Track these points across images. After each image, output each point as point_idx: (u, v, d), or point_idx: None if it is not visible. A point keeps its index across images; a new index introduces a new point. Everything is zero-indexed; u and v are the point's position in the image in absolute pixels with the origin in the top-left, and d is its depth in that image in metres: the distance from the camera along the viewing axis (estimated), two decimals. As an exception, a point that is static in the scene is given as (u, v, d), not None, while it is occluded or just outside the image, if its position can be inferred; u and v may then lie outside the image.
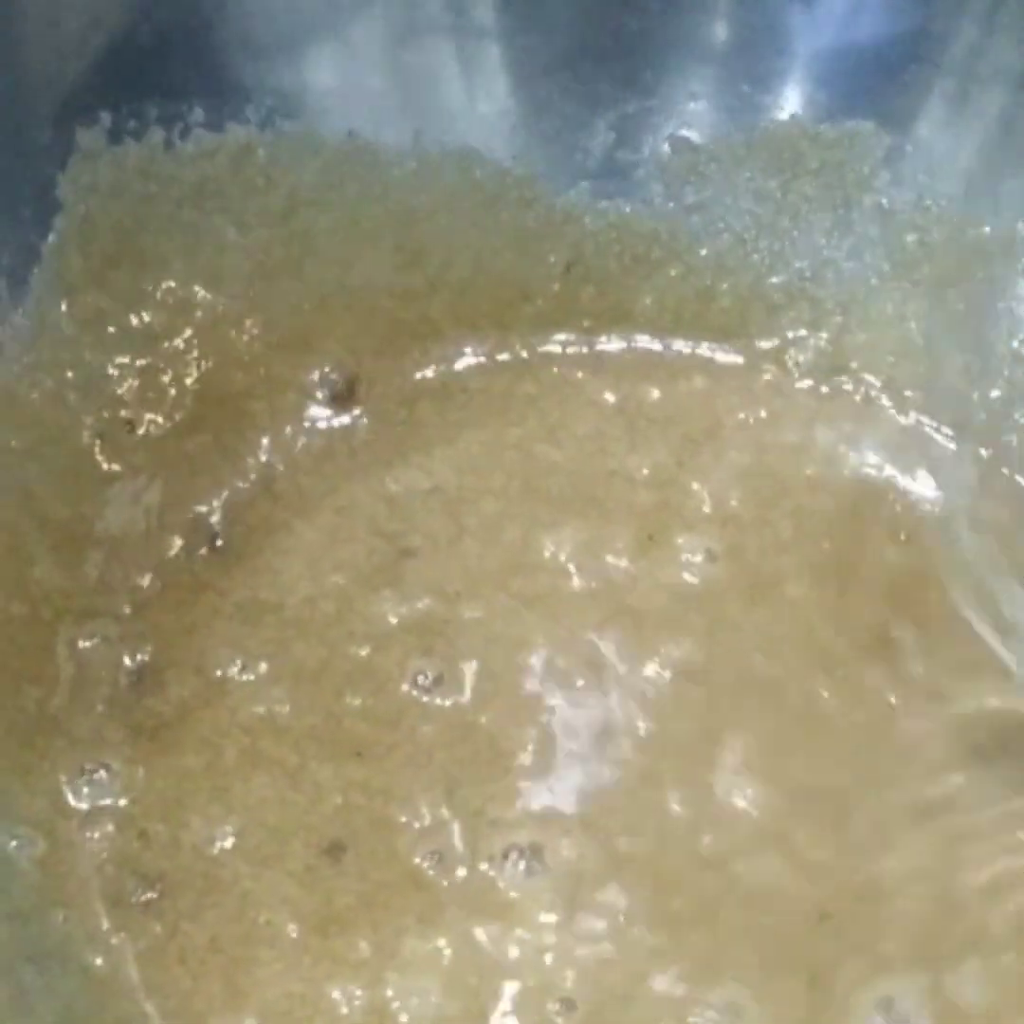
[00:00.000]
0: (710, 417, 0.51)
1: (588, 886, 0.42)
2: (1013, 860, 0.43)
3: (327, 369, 0.50)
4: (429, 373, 0.51)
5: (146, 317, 0.48)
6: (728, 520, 0.49)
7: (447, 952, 0.41)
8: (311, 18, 0.48)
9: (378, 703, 0.45)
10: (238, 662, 0.45)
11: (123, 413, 0.47)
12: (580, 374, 0.51)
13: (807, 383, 0.51)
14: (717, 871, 0.43)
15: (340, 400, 0.50)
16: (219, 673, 0.45)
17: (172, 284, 0.48)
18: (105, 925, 0.42)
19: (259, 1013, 0.41)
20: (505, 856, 0.43)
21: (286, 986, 0.41)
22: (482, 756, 0.44)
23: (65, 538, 0.45)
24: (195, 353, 0.48)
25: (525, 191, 0.50)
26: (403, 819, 0.43)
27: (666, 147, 0.50)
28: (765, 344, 0.52)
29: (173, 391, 0.48)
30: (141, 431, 0.47)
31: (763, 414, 0.51)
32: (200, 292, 0.48)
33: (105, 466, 0.47)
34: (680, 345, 0.52)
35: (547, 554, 0.48)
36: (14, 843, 0.41)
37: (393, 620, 0.46)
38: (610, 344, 0.52)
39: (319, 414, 0.50)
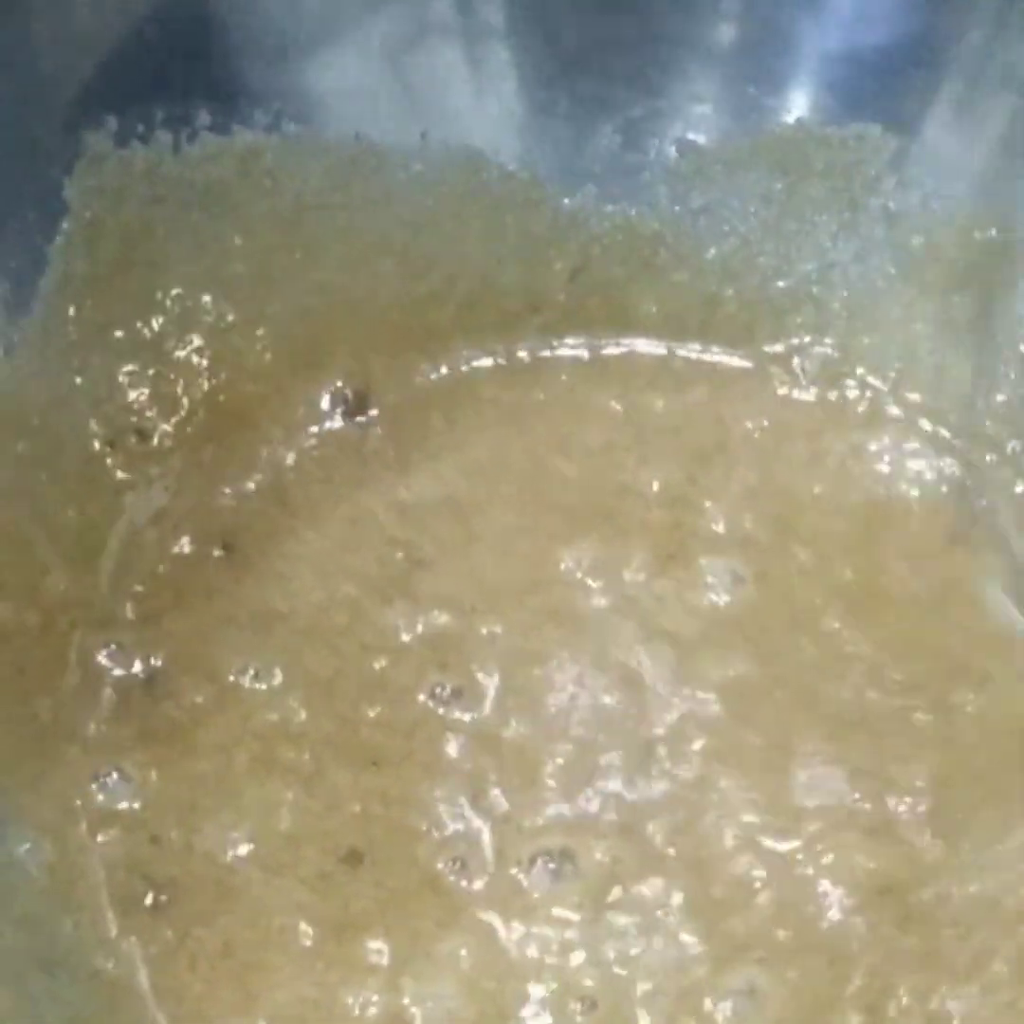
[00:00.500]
0: (718, 427, 0.50)
1: (617, 891, 0.42)
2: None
3: (337, 378, 0.50)
4: (439, 381, 0.51)
5: (154, 324, 0.48)
6: (747, 543, 0.48)
7: (464, 955, 0.41)
8: (317, 21, 0.48)
9: (395, 713, 0.45)
10: (251, 669, 0.45)
11: (133, 421, 0.47)
12: (588, 382, 0.51)
13: (813, 390, 0.51)
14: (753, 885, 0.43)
15: (350, 409, 0.50)
16: (232, 680, 0.45)
17: (179, 291, 0.48)
18: (115, 931, 0.41)
19: (271, 1019, 0.40)
20: (533, 861, 0.43)
21: (299, 991, 0.41)
22: (509, 765, 0.44)
23: (77, 547, 0.45)
24: (205, 361, 0.48)
25: (531, 194, 0.50)
26: (424, 827, 0.43)
27: (672, 150, 0.50)
28: (771, 349, 0.52)
29: (184, 399, 0.48)
30: (152, 439, 0.48)
31: (769, 423, 0.51)
32: (208, 299, 0.48)
33: (116, 474, 0.47)
34: (686, 351, 0.52)
35: (563, 567, 0.48)
36: (26, 847, 0.41)
37: (406, 634, 0.46)
38: (617, 350, 0.52)
39: (329, 423, 0.50)
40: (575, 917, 0.42)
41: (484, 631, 0.46)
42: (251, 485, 0.48)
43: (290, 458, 0.49)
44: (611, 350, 0.52)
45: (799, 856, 0.43)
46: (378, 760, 0.44)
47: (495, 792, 0.44)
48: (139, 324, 0.47)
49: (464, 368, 0.51)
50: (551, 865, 0.42)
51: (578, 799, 0.44)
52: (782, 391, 0.51)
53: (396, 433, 0.50)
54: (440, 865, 0.42)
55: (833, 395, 0.51)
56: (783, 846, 0.43)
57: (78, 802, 0.43)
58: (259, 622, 0.46)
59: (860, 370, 0.51)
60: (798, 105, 0.50)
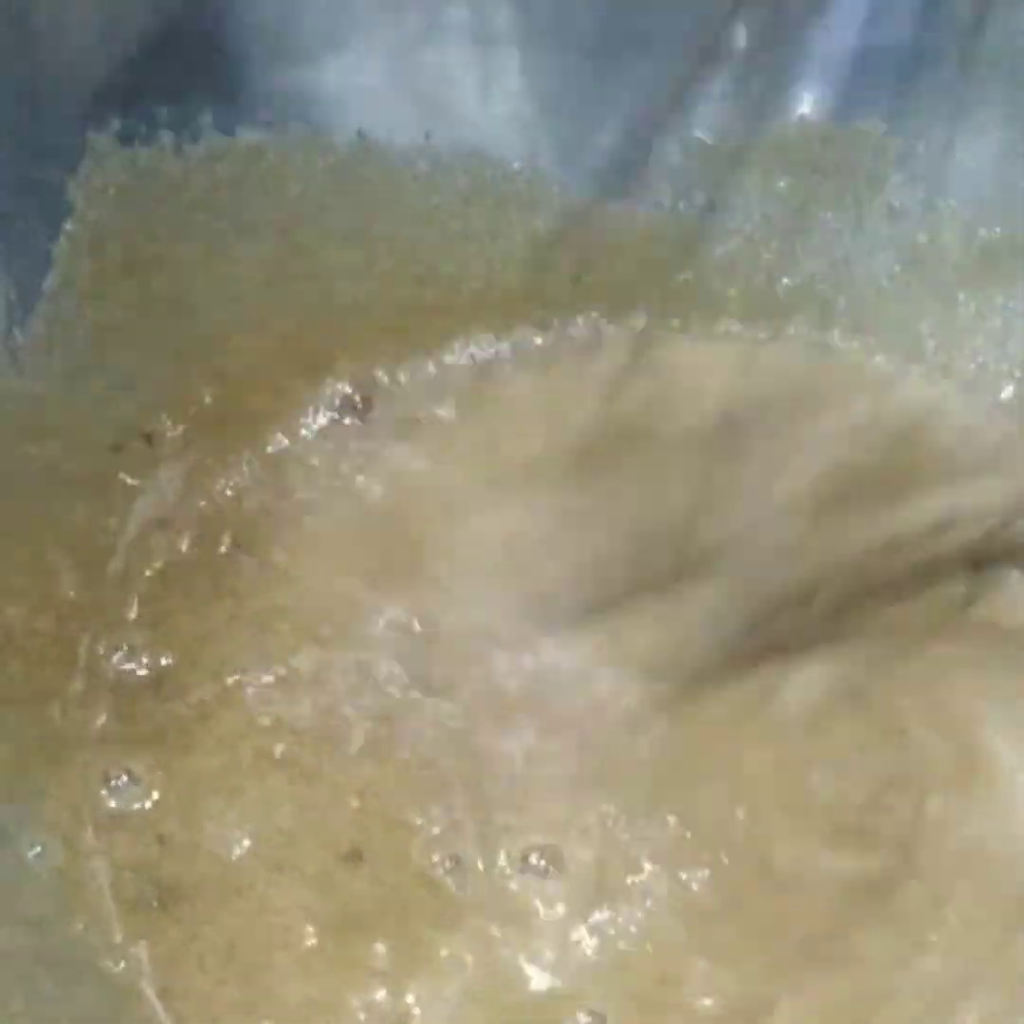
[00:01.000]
0: (728, 433, 0.50)
1: (607, 887, 0.43)
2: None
3: (340, 378, 0.50)
4: (442, 381, 0.51)
5: (159, 325, 0.47)
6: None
7: (467, 958, 0.41)
8: (320, 19, 0.48)
9: (395, 711, 0.45)
10: (255, 667, 0.45)
11: (140, 424, 0.47)
12: (593, 380, 0.51)
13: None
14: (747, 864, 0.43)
15: (354, 409, 0.50)
16: (237, 678, 0.45)
17: (183, 291, 0.48)
18: (123, 931, 0.42)
19: (277, 1018, 0.41)
20: (525, 858, 0.43)
21: (304, 991, 0.41)
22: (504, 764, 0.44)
23: (87, 551, 0.46)
24: (209, 362, 0.48)
25: (535, 193, 0.50)
26: (419, 822, 0.43)
27: (677, 148, 0.50)
28: (775, 347, 0.52)
29: (190, 401, 0.48)
30: (159, 442, 0.48)
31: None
32: (212, 301, 0.48)
33: (123, 477, 0.47)
34: (691, 347, 0.52)
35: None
36: (36, 851, 0.41)
37: (409, 631, 0.46)
38: (621, 349, 0.52)
39: (334, 423, 0.50)
40: (568, 913, 0.42)
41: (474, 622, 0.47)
42: (256, 486, 0.48)
43: (295, 458, 0.49)
44: (616, 349, 0.52)
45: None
46: (378, 757, 0.44)
47: (474, 788, 0.44)
48: (144, 325, 0.47)
49: (468, 368, 0.51)
50: (541, 863, 0.43)
51: (554, 795, 0.44)
52: (786, 394, 0.51)
53: (400, 430, 0.50)
54: (435, 858, 0.43)
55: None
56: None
57: (87, 805, 0.43)
58: (264, 620, 0.46)
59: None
60: (803, 103, 0.49)
